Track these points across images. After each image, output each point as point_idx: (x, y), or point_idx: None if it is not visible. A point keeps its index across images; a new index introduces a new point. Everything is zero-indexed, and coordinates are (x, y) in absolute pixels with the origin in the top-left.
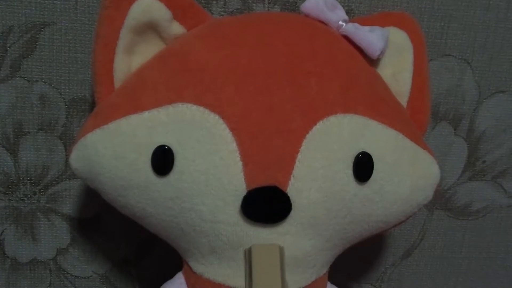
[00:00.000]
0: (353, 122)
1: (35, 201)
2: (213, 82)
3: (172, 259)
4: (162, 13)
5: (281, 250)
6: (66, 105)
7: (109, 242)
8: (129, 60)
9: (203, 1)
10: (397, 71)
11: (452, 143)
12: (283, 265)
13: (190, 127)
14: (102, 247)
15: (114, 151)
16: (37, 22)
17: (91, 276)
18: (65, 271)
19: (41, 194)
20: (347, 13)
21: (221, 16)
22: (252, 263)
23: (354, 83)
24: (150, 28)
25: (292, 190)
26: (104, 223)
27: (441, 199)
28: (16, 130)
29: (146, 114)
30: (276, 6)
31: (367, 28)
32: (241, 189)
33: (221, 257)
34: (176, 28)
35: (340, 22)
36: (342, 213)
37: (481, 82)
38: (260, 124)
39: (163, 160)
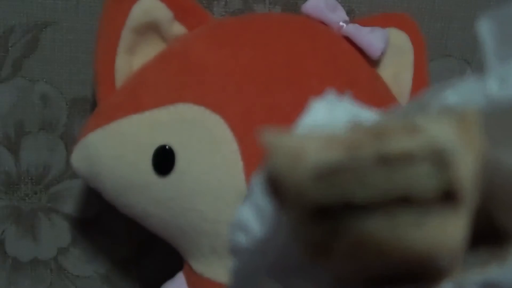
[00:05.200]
0: None
1: (36, 201)
2: (214, 82)
3: (173, 259)
4: (163, 13)
5: None
6: (67, 104)
7: (110, 242)
8: (131, 60)
9: (204, 2)
10: (398, 71)
11: None
12: None
13: (191, 127)
14: (103, 246)
15: (115, 151)
16: (39, 22)
17: (92, 275)
18: (66, 270)
19: (42, 194)
20: (348, 14)
21: (222, 17)
22: None
23: (354, 83)
24: (151, 28)
25: None
26: (105, 222)
27: None
28: (17, 129)
29: (147, 114)
30: (277, 6)
31: (367, 29)
32: (242, 189)
33: (222, 257)
34: (177, 29)
35: (341, 23)
36: None
37: None
38: (260, 124)
39: (164, 160)
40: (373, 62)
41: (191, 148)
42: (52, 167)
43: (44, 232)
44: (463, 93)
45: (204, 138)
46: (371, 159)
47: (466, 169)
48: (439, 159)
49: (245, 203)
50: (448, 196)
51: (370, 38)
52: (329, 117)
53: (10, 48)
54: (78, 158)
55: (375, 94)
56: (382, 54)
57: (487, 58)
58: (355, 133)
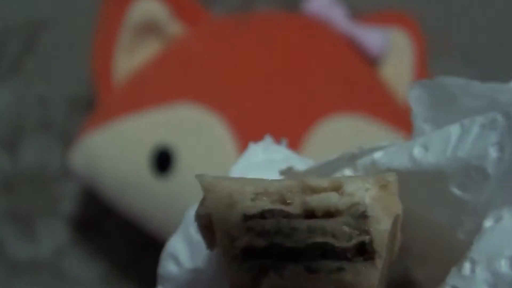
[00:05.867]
0: (353, 122)
1: (35, 201)
2: (213, 82)
3: None
4: (162, 12)
5: None
6: (66, 105)
7: (108, 243)
8: (129, 59)
9: (204, 1)
10: (398, 71)
11: None
12: None
13: (190, 127)
14: (102, 247)
15: (114, 151)
16: (38, 22)
17: (91, 276)
18: (64, 271)
19: (41, 194)
20: (348, 13)
21: (222, 16)
22: None
23: (354, 83)
24: (150, 27)
25: None
26: (104, 223)
27: None
28: (15, 129)
29: (146, 114)
30: (277, 6)
31: (367, 28)
32: None
33: None
34: (176, 28)
35: (341, 22)
36: None
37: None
38: (259, 124)
39: (162, 160)
40: (373, 62)
41: (191, 148)
42: (50, 167)
43: (43, 233)
44: (391, 155)
45: (203, 138)
46: (297, 211)
47: (382, 228)
48: (359, 216)
49: (178, 233)
50: (364, 250)
51: (370, 37)
52: (265, 160)
53: (9, 48)
54: (77, 158)
55: (375, 94)
56: (382, 53)
57: (415, 122)
58: (286, 184)
